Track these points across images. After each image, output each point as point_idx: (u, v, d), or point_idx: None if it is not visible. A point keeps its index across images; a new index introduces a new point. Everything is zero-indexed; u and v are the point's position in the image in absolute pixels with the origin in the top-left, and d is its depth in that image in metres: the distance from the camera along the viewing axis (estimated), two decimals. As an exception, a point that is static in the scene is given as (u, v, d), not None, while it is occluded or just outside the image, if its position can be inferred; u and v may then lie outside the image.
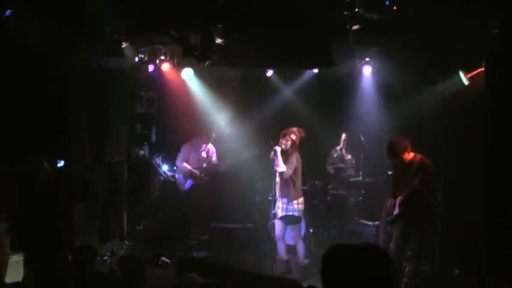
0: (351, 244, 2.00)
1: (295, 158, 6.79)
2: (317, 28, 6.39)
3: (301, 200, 6.88)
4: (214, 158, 8.61)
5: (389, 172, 7.05)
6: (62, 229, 5.89)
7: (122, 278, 4.56)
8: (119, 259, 5.89)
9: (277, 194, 6.88)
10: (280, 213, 6.86)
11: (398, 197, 6.11)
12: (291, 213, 6.81)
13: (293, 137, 6.79)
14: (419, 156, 6.09)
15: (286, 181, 6.81)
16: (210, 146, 8.63)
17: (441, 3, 5.74)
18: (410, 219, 6.03)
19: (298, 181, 6.90)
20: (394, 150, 6.11)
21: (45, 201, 5.68)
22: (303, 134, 6.92)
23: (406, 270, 6.09)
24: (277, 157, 6.74)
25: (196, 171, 8.46)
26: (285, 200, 6.82)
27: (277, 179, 6.90)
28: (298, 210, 6.83)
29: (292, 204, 6.80)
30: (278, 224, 6.89)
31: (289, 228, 6.93)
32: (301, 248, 6.93)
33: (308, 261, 6.90)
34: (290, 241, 7.02)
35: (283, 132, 6.85)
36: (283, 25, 6.36)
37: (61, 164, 6.98)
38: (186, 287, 4.01)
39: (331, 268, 1.95)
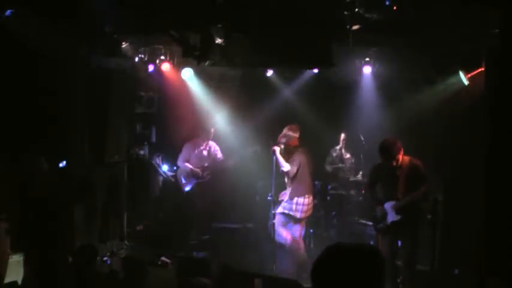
0: (345, 244, 1.99)
1: (296, 157, 6.78)
2: (317, 28, 6.39)
3: (301, 200, 6.83)
4: (219, 155, 8.57)
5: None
6: (62, 229, 5.89)
7: (123, 278, 4.56)
8: (121, 260, 5.90)
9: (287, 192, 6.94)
10: (279, 209, 6.90)
11: (390, 203, 6.01)
12: (286, 211, 6.81)
13: (283, 140, 6.83)
14: (407, 157, 5.95)
15: (289, 180, 6.86)
16: (212, 144, 8.60)
17: (441, 3, 5.74)
18: (404, 223, 5.99)
19: (300, 181, 6.86)
20: (389, 152, 5.88)
21: (45, 201, 5.68)
22: (295, 129, 6.87)
23: (402, 270, 6.08)
24: (277, 157, 6.75)
25: (198, 170, 8.45)
26: (287, 198, 6.87)
27: (285, 179, 6.94)
28: (295, 211, 6.80)
29: (291, 203, 6.80)
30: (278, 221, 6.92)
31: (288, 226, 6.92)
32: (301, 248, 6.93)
33: (309, 261, 6.89)
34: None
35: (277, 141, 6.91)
36: (283, 25, 6.37)
37: (63, 164, 6.98)
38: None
39: (324, 269, 1.94)
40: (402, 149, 5.92)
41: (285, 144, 6.80)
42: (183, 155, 8.54)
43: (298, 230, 6.97)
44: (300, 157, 6.80)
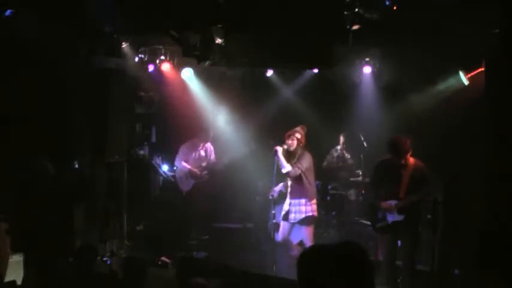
0: (323, 244, 1.99)
1: (307, 157, 6.66)
2: (317, 28, 6.39)
3: (314, 201, 6.75)
4: (212, 156, 8.62)
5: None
6: (62, 229, 5.89)
7: (123, 278, 4.56)
8: (121, 260, 5.90)
9: (289, 196, 6.72)
10: (298, 216, 6.62)
11: (392, 202, 5.93)
12: (310, 213, 6.63)
13: (298, 136, 6.60)
14: (413, 158, 5.88)
15: (301, 181, 6.62)
16: (208, 145, 8.64)
17: (441, 3, 5.74)
18: (405, 223, 5.97)
19: (312, 182, 6.73)
20: (401, 149, 5.78)
21: (45, 201, 5.68)
22: (305, 130, 6.81)
23: (403, 270, 6.07)
24: (278, 158, 6.61)
25: (197, 171, 8.47)
26: (303, 200, 6.61)
27: (289, 181, 6.76)
28: (314, 211, 6.66)
29: (311, 205, 6.65)
30: (285, 226, 6.74)
31: (303, 228, 6.72)
32: None
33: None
34: (295, 239, 6.90)
35: (288, 133, 6.68)
36: (283, 25, 6.37)
37: (76, 166, 7.01)
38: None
39: (306, 270, 1.94)
40: (411, 149, 5.87)
41: (289, 145, 6.66)
42: (180, 155, 8.56)
43: (313, 230, 6.88)
44: (310, 158, 6.68)
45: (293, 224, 6.72)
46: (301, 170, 6.58)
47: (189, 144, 8.61)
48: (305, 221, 6.66)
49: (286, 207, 6.73)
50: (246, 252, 8.00)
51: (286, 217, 6.71)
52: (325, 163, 8.87)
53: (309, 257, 1.96)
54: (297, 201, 6.65)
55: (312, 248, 2.00)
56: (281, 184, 6.98)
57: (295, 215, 6.63)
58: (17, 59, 6.32)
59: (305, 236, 6.72)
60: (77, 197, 7.00)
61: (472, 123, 6.58)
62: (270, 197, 6.89)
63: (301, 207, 6.64)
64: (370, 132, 8.41)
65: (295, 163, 6.59)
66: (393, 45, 6.95)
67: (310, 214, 6.65)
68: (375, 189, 6.27)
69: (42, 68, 6.62)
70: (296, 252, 6.78)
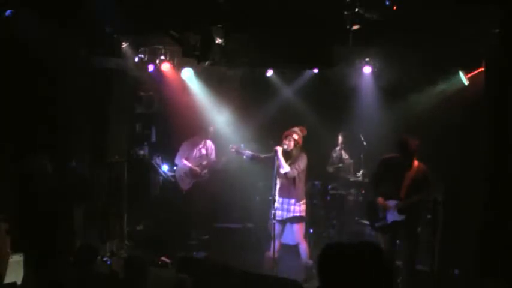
0: (347, 243, 2.00)
1: (304, 159, 6.70)
2: (317, 28, 6.39)
3: (303, 202, 6.82)
4: (213, 155, 8.63)
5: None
6: (63, 229, 5.89)
7: (123, 278, 4.56)
8: (121, 260, 5.90)
9: (278, 194, 6.76)
10: (286, 214, 6.73)
11: (393, 202, 5.93)
12: (298, 214, 6.73)
13: (295, 136, 6.66)
14: (417, 161, 5.89)
15: (293, 181, 6.70)
16: (209, 143, 8.65)
17: (441, 3, 5.75)
18: (405, 223, 5.96)
19: (303, 183, 6.81)
20: (410, 150, 5.78)
21: (45, 201, 5.68)
22: (305, 132, 6.83)
23: (402, 270, 6.06)
24: (278, 158, 6.64)
25: (197, 169, 8.48)
26: (293, 200, 6.72)
27: (279, 180, 6.80)
28: (303, 211, 6.76)
29: (300, 205, 6.74)
30: (278, 225, 6.81)
31: (294, 227, 6.83)
32: (303, 248, 6.88)
33: (309, 261, 6.86)
34: (292, 241, 6.95)
35: (285, 133, 6.74)
36: (283, 25, 6.37)
37: (73, 165, 7.01)
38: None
39: (329, 267, 1.95)
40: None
41: (286, 145, 6.69)
42: (180, 153, 8.57)
43: (303, 229, 6.93)
44: (305, 160, 6.73)
45: (284, 224, 6.80)
46: (299, 172, 6.63)
47: (189, 142, 8.62)
48: (294, 220, 6.75)
49: (277, 205, 6.78)
50: (246, 252, 8.00)
51: (275, 216, 6.77)
52: (330, 169, 8.87)
53: (330, 258, 1.96)
54: (286, 200, 6.75)
55: (332, 248, 2.00)
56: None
57: (282, 213, 6.74)
58: (17, 59, 6.32)
59: (296, 235, 6.82)
60: (77, 197, 7.02)
61: (472, 123, 6.58)
62: (270, 197, 6.90)
63: (290, 207, 6.75)
64: (370, 132, 8.41)
65: (293, 164, 6.64)
66: (393, 45, 6.95)
67: (298, 214, 6.75)
68: (374, 186, 6.25)
69: (42, 68, 6.61)
70: (270, 254, 6.79)
